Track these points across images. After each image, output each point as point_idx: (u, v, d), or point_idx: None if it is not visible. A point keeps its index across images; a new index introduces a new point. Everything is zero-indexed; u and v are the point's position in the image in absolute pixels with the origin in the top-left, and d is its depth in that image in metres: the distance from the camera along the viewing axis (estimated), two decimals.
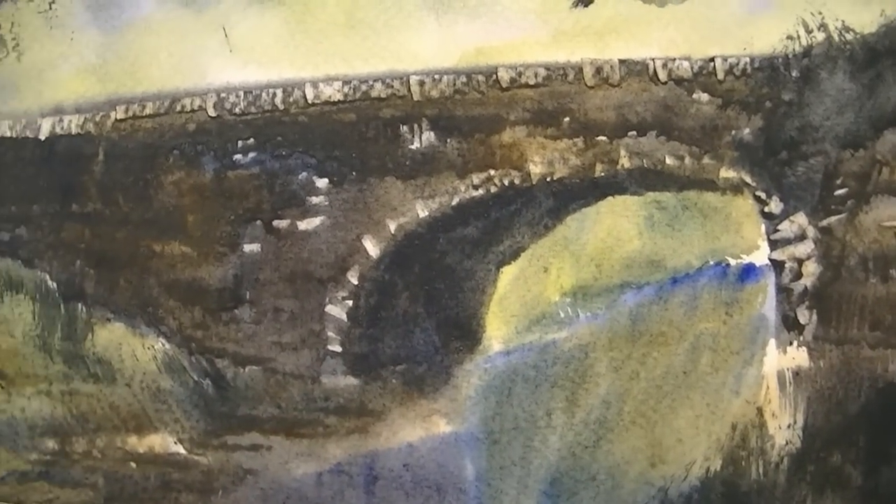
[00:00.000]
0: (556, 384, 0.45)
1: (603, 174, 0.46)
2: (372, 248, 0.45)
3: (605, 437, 0.46)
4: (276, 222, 0.46)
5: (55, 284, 0.47)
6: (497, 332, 0.45)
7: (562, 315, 0.46)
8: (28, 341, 0.47)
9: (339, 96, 0.45)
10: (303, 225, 0.46)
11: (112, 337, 0.46)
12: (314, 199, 0.46)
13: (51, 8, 0.44)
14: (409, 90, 0.46)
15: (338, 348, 0.46)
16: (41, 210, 0.47)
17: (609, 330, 0.45)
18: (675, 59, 0.46)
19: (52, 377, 0.47)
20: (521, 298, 0.45)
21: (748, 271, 0.47)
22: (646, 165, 0.46)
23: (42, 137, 0.47)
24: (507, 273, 0.46)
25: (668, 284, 0.46)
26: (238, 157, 0.46)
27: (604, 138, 0.45)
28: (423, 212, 0.45)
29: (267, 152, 0.46)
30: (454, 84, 0.45)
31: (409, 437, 0.46)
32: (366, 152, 0.44)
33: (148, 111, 0.46)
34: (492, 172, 0.45)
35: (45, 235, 0.47)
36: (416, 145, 0.45)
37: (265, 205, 0.46)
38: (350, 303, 0.46)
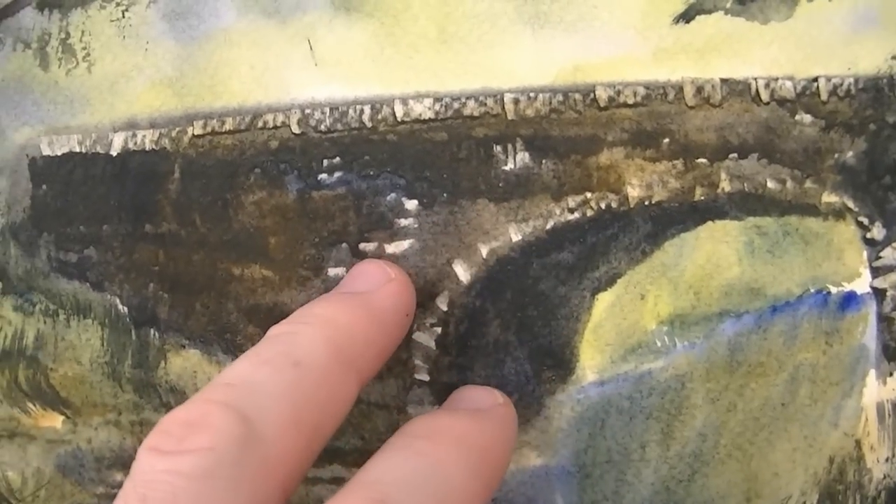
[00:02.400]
0: (652, 416, 0.42)
1: (703, 198, 0.43)
2: (462, 273, 0.42)
3: (700, 470, 0.44)
4: (362, 245, 0.43)
5: (126, 309, 0.44)
6: (591, 361, 0.43)
7: (658, 344, 0.44)
8: (96, 369, 0.44)
9: (429, 114, 0.42)
10: (391, 248, 0.43)
11: (186, 365, 0.43)
12: (403, 222, 0.43)
13: (124, 16, 0.41)
14: (503, 108, 0.43)
15: (425, 377, 0.44)
16: (112, 230, 0.44)
17: (707, 360, 0.43)
18: (777, 79, 0.43)
19: (121, 406, 0.44)
20: (616, 327, 0.43)
21: (849, 300, 0.45)
22: (747, 189, 0.43)
23: (114, 153, 0.44)
24: (603, 300, 0.43)
25: (767, 313, 0.44)
26: (323, 176, 0.43)
27: (704, 161, 0.43)
28: (516, 236, 0.43)
29: (354, 172, 0.43)
30: (550, 102, 0.43)
31: None
32: (457, 173, 0.42)
33: (228, 127, 0.43)
34: (588, 195, 0.43)
35: (116, 257, 0.44)
36: (509, 166, 0.43)
37: (351, 227, 0.43)
38: (439, 330, 0.43)
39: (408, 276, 0.39)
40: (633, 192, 0.43)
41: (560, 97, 0.43)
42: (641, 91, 0.43)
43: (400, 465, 0.27)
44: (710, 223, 0.43)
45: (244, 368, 0.28)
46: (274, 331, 0.34)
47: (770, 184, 0.43)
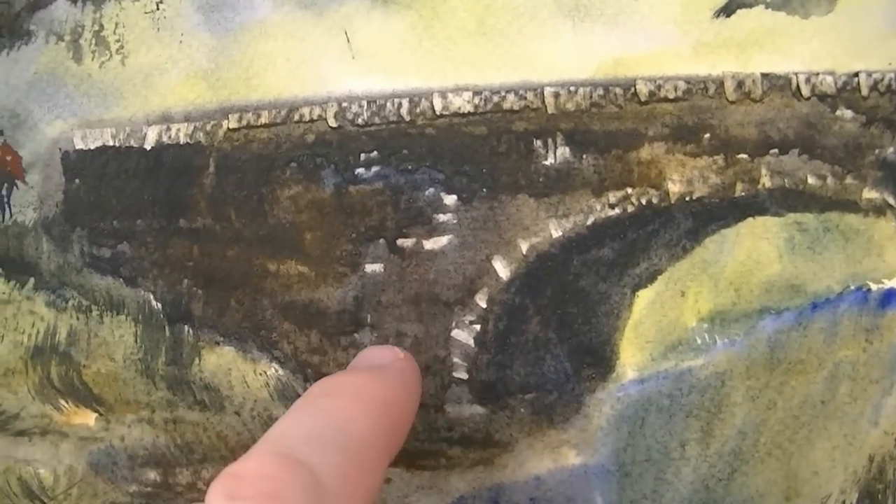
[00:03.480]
0: (692, 414, 0.42)
1: (743, 194, 0.42)
2: (502, 269, 0.41)
3: (739, 469, 0.43)
4: (400, 241, 0.42)
5: (160, 305, 0.43)
6: (631, 358, 0.42)
7: (699, 341, 0.43)
8: (129, 366, 0.43)
9: (469, 108, 0.41)
10: (429, 244, 0.42)
11: (221, 362, 0.42)
12: (442, 217, 0.42)
13: (158, 8, 0.40)
14: (543, 102, 0.42)
15: (464, 375, 0.43)
16: (146, 225, 0.43)
17: (747, 357, 0.42)
18: (818, 74, 0.42)
19: (154, 404, 0.43)
20: (657, 324, 0.42)
21: (889, 297, 0.44)
22: (787, 185, 0.43)
23: (148, 147, 0.43)
24: (643, 297, 0.42)
25: (807, 310, 0.43)
26: (360, 171, 0.42)
27: (745, 156, 0.42)
28: (556, 232, 0.42)
29: (392, 166, 0.42)
30: (590, 96, 0.42)
31: (536, 469, 0.43)
32: (497, 168, 0.41)
33: (263, 120, 0.42)
34: (629, 191, 0.42)
35: (150, 252, 0.43)
36: (550, 161, 0.42)
37: (389, 222, 0.42)
38: (478, 327, 0.42)
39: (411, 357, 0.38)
40: (674, 187, 0.42)
41: (600, 91, 0.42)
42: (682, 85, 0.42)
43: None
44: (750, 219, 0.43)
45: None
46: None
47: (811, 179, 0.42)
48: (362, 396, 0.29)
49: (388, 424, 0.30)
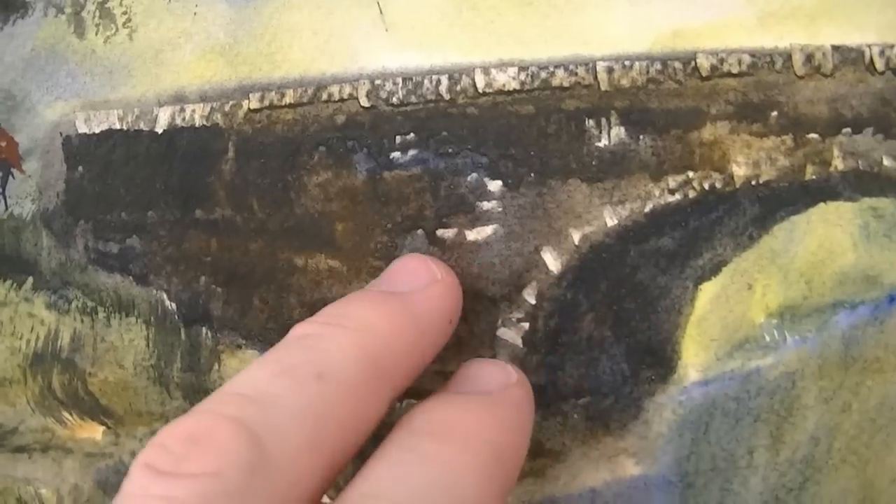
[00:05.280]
0: (760, 418, 0.41)
1: (814, 177, 0.40)
2: (552, 261, 0.39)
3: (812, 477, 0.42)
4: (440, 232, 0.40)
5: (174, 305, 0.40)
6: (694, 358, 0.39)
7: (767, 339, 0.40)
8: (141, 373, 0.41)
9: (514, 85, 0.41)
10: (472, 235, 0.40)
11: (243, 367, 0.37)
12: (485, 205, 0.40)
13: None
14: (595, 78, 0.40)
15: None
16: (158, 217, 0.40)
17: (819, 356, 0.40)
18: (893, 46, 0.40)
19: (169, 415, 0.41)
20: (721, 320, 0.39)
21: None
22: (861, 167, 0.40)
23: (159, 130, 0.40)
24: (707, 290, 0.40)
25: (884, 303, 0.40)
26: (396, 154, 0.40)
27: (815, 136, 0.39)
28: (611, 220, 0.40)
29: (430, 150, 0.40)
30: (647, 72, 0.40)
31: (591, 480, 0.41)
32: (546, 150, 0.39)
33: (288, 100, 0.39)
34: (690, 174, 0.39)
35: (163, 247, 0.40)
36: (603, 142, 0.39)
37: (428, 211, 0.40)
38: (526, 325, 0.40)
39: (455, 276, 0.37)
40: (739, 170, 0.39)
41: (658, 66, 0.39)
42: (747, 59, 0.39)
43: (404, 476, 0.24)
44: (822, 205, 0.43)
45: (261, 377, 0.25)
46: (298, 330, 0.29)
47: (886, 161, 0.40)
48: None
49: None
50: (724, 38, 0.41)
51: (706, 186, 0.41)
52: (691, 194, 0.41)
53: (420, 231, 0.40)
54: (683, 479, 0.41)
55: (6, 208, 0.42)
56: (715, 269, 0.41)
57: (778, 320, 0.41)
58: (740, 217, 0.41)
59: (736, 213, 0.41)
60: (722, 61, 0.41)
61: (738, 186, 0.41)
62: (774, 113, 0.41)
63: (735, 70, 0.41)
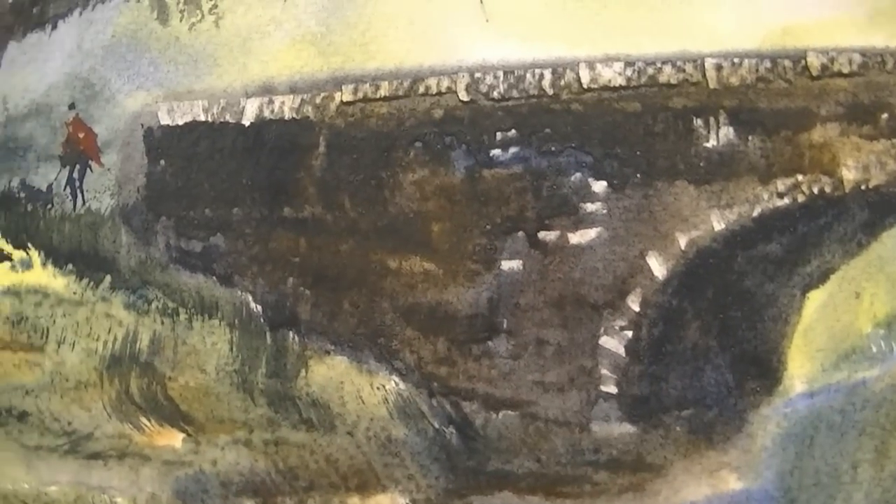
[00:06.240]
0: (865, 431, 0.44)
1: None
2: (657, 267, 0.38)
3: None
4: (542, 234, 0.39)
5: (260, 308, 0.39)
6: (800, 369, 0.39)
7: (874, 349, 0.40)
8: (223, 378, 0.40)
9: (620, 80, 0.41)
10: (575, 238, 0.39)
11: (332, 374, 0.39)
12: (589, 207, 0.39)
13: None
14: (704, 76, 0.40)
15: (613, 389, 0.40)
16: (244, 214, 0.40)
17: None
18: None
19: (252, 423, 0.40)
20: (829, 329, 0.39)
21: None
22: None
23: (246, 123, 0.39)
24: (814, 299, 0.40)
25: None
26: (496, 152, 0.39)
27: None
28: (718, 224, 0.39)
29: (532, 147, 0.39)
30: (757, 70, 0.40)
31: (692, 495, 0.40)
32: (652, 150, 0.39)
33: (383, 92, 0.38)
34: (799, 178, 0.39)
35: (249, 246, 0.39)
36: (711, 143, 0.39)
37: (529, 212, 0.39)
38: (629, 334, 0.40)
39: None
40: (849, 174, 0.38)
41: (768, 63, 0.39)
42: (857, 59, 0.39)
43: None
44: None
45: None
46: None
47: None
48: None
49: None
50: (833, 36, 0.41)
51: (815, 190, 0.40)
52: (800, 198, 0.40)
53: (520, 233, 0.40)
54: (786, 494, 0.41)
55: (84, 203, 0.41)
56: (822, 277, 0.41)
57: (885, 330, 0.40)
58: (849, 223, 0.40)
59: (845, 218, 0.41)
60: (832, 60, 0.40)
61: (847, 191, 0.41)
62: (885, 115, 0.41)
63: (846, 70, 0.40)
